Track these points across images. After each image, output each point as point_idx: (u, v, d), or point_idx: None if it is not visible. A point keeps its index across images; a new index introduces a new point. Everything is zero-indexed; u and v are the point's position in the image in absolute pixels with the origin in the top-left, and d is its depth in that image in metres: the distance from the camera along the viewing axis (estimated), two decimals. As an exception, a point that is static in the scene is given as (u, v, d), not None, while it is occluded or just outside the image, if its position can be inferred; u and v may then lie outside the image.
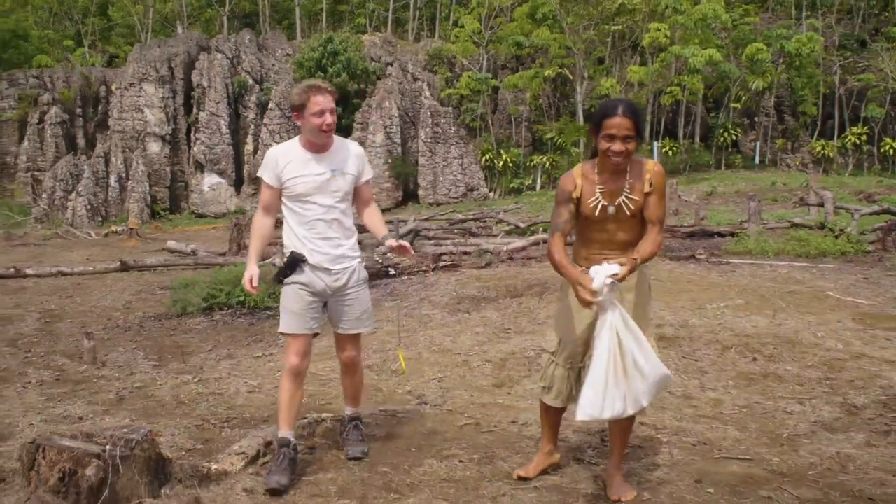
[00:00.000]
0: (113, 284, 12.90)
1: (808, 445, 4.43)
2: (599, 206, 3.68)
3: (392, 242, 4.29)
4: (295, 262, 4.17)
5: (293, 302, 4.21)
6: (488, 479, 4.05)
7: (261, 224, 4.32)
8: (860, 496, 3.75)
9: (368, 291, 4.47)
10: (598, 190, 3.69)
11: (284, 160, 4.20)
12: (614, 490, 3.76)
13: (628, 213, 3.68)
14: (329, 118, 4.11)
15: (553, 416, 4.06)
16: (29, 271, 14.28)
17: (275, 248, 15.90)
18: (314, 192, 4.17)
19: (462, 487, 3.94)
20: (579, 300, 3.55)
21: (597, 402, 3.48)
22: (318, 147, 4.22)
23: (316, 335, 4.34)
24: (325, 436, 4.73)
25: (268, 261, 11.77)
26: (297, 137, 4.33)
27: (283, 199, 4.25)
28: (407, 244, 4.32)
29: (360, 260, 4.38)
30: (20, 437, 4.77)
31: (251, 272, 4.19)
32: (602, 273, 3.50)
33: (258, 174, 4.39)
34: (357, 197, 4.41)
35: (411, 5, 48.74)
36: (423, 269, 11.06)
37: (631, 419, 3.83)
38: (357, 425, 4.49)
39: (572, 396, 3.87)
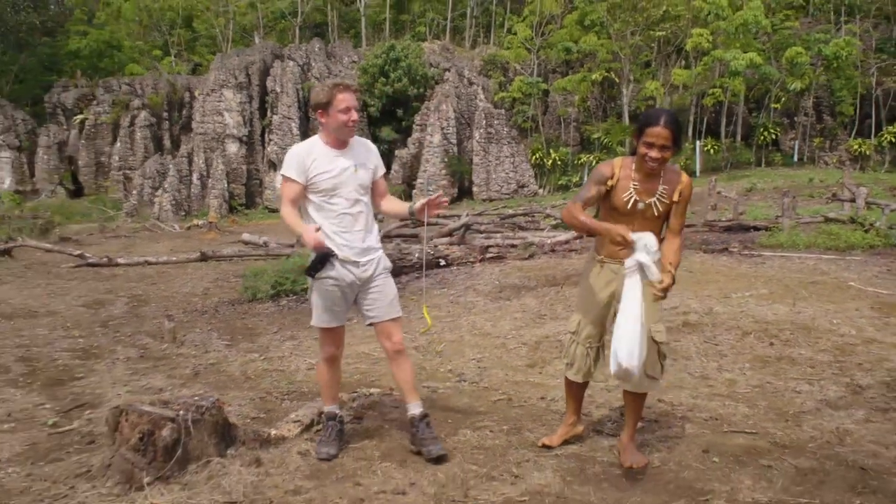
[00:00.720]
0: (193, 273, 13.32)
1: (811, 421, 4.51)
2: (632, 200, 3.80)
3: (418, 205, 4.17)
4: (325, 258, 4.03)
5: (324, 298, 4.16)
6: (515, 447, 4.22)
7: (292, 210, 4.07)
8: (853, 466, 3.83)
9: (392, 279, 4.34)
10: (632, 185, 3.81)
11: (310, 158, 4.09)
12: (627, 457, 3.89)
13: (656, 213, 3.82)
14: (354, 115, 4.09)
15: (576, 391, 4.21)
16: (120, 260, 14.81)
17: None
18: (340, 187, 4.09)
19: (490, 454, 4.12)
20: (615, 238, 3.63)
21: (632, 350, 3.58)
22: (340, 143, 4.15)
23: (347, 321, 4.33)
24: (372, 407, 4.96)
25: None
26: (316, 136, 4.23)
27: (309, 195, 4.12)
28: (432, 197, 4.15)
29: (381, 250, 4.31)
30: (108, 405, 5.07)
31: (309, 228, 3.92)
32: (643, 240, 3.60)
33: (281, 173, 4.22)
34: (375, 190, 4.32)
35: (468, 14, 48.82)
36: (471, 260, 11.22)
37: (645, 396, 3.99)
38: (429, 422, 4.20)
39: (591, 373, 4.10)
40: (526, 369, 5.94)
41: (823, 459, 3.93)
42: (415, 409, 4.23)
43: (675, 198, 3.81)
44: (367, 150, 4.30)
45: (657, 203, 3.80)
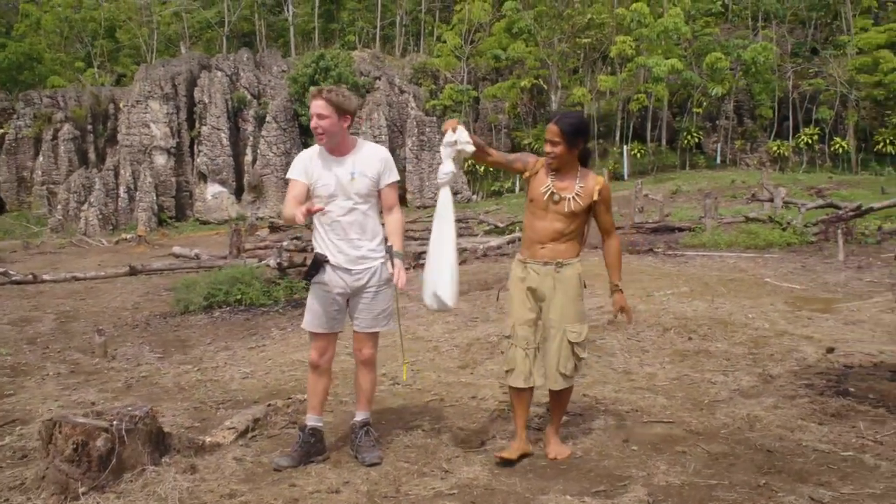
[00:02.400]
0: (122, 287, 13.15)
1: (724, 409, 4.78)
2: (549, 192, 4.01)
3: (389, 267, 4.15)
4: (318, 263, 4.12)
5: (315, 301, 4.19)
6: (446, 444, 4.37)
7: (290, 206, 4.11)
8: (761, 449, 4.10)
9: (391, 292, 4.29)
10: (550, 180, 4.03)
11: (311, 162, 4.15)
12: (552, 449, 4.11)
13: (570, 209, 4.00)
14: (316, 122, 4.03)
15: (522, 399, 4.17)
16: (46, 277, 14.50)
17: (265, 250, 16.19)
18: (335, 194, 4.09)
19: (422, 452, 4.27)
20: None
21: (441, 276, 3.97)
22: (338, 150, 4.14)
23: (339, 332, 4.31)
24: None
25: (262, 262, 12.08)
26: None
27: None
28: (401, 276, 4.10)
29: (382, 261, 4.20)
30: (40, 420, 5.05)
31: (301, 208, 3.94)
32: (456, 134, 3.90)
33: (287, 176, 4.27)
34: (381, 200, 4.25)
35: (398, 22, 49.05)
36: (405, 266, 11.34)
37: (569, 391, 4.19)
38: (368, 430, 4.26)
39: (532, 376, 4.11)
40: (458, 370, 6.11)
41: (734, 444, 4.19)
42: (359, 416, 4.32)
43: (595, 197, 4.01)
44: (371, 158, 4.19)
45: (574, 200, 3.99)
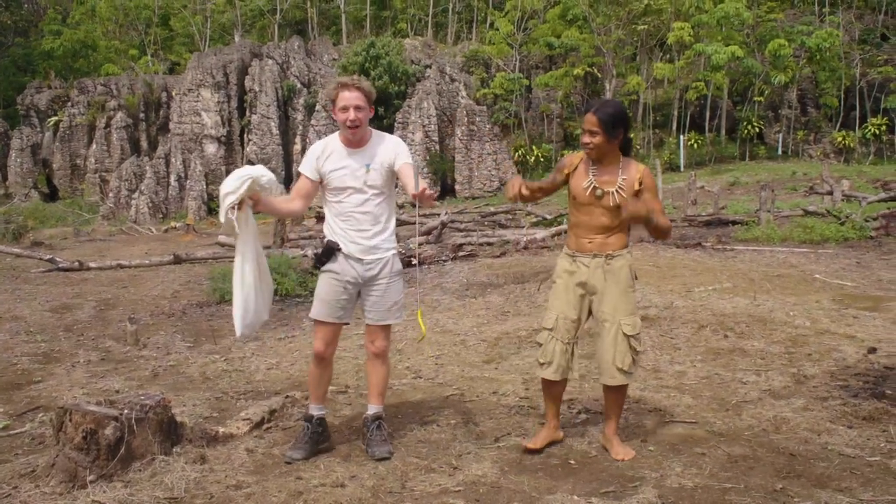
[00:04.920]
0: (165, 276, 13.39)
1: (752, 410, 4.68)
2: (591, 187, 3.99)
3: (414, 192, 3.94)
4: (330, 251, 4.18)
5: (324, 290, 4.21)
6: (459, 440, 4.37)
7: (285, 199, 4.27)
8: (783, 452, 4.01)
9: (402, 284, 4.36)
10: (591, 174, 4.01)
11: (324, 155, 4.17)
12: (616, 451, 4.06)
13: (614, 202, 3.96)
14: (353, 114, 4.03)
15: (555, 390, 4.21)
16: (91, 265, 14.84)
17: (309, 240, 16.37)
18: (349, 186, 4.13)
19: (434, 447, 4.28)
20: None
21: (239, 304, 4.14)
22: (352, 142, 4.16)
23: (346, 324, 4.35)
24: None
25: (300, 252, 12.21)
26: (337, 132, 4.26)
27: (324, 192, 4.22)
28: (426, 189, 3.86)
29: (394, 252, 4.30)
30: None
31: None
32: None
33: (299, 169, 4.34)
34: (401, 178, 4.19)
35: (450, 9, 48.99)
36: (443, 258, 11.37)
37: (625, 388, 4.16)
38: (380, 425, 4.28)
39: (569, 369, 4.14)
40: (482, 365, 6.10)
41: (756, 447, 4.10)
42: (371, 410, 4.35)
43: (637, 186, 3.98)
44: (387, 149, 4.21)
45: (618, 193, 3.96)
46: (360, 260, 4.18)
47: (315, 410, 4.32)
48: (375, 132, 4.29)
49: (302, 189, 4.24)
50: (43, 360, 6.97)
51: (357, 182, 4.14)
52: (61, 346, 7.67)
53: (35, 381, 6.19)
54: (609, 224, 4.02)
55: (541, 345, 4.15)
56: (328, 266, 4.21)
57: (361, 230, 4.17)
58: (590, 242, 4.04)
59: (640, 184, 4.00)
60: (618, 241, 4.06)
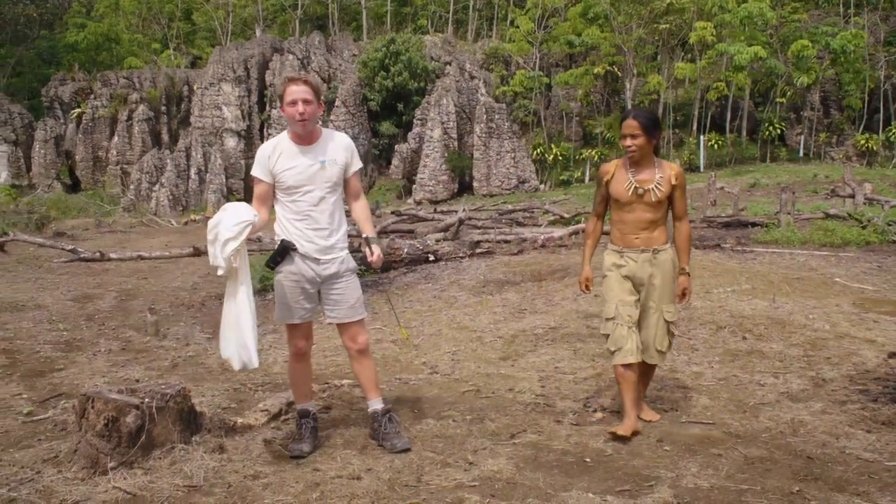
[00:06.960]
0: (185, 268, 13.50)
1: (769, 412, 4.67)
2: (632, 187, 4.34)
3: (367, 251, 4.27)
4: (285, 250, 4.12)
5: (284, 294, 4.19)
6: (475, 436, 4.39)
7: (258, 208, 4.15)
8: (801, 455, 3.99)
9: (357, 280, 4.35)
10: (630, 175, 4.36)
11: (275, 155, 4.09)
12: (647, 414, 4.60)
13: (656, 198, 4.33)
14: (301, 107, 3.96)
15: (630, 376, 4.35)
16: (112, 255, 14.98)
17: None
18: (304, 184, 4.07)
19: (450, 442, 4.29)
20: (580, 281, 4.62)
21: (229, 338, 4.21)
22: (303, 139, 4.10)
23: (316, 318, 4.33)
24: (341, 398, 5.14)
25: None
26: (285, 132, 4.20)
27: (276, 192, 4.16)
28: (377, 257, 4.23)
29: (347, 250, 4.28)
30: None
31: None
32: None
33: (252, 173, 4.24)
34: (346, 188, 4.28)
35: (471, 7, 48.97)
36: (460, 255, 11.39)
37: (654, 366, 4.67)
38: (391, 417, 4.28)
39: (640, 349, 4.40)
40: (498, 362, 6.11)
41: (773, 449, 4.09)
42: (377, 405, 4.33)
43: (673, 182, 4.34)
44: (337, 146, 4.20)
45: (656, 189, 4.32)
46: (316, 260, 4.15)
47: (311, 407, 4.38)
48: (325, 130, 4.26)
49: (261, 195, 4.19)
50: (65, 349, 7.05)
51: (313, 179, 4.10)
52: (83, 334, 7.76)
53: (58, 368, 6.27)
54: (652, 218, 4.37)
55: (607, 335, 4.42)
56: (284, 268, 4.18)
57: (319, 229, 4.13)
58: (637, 238, 4.40)
59: (676, 179, 4.35)
60: (662, 236, 4.42)
